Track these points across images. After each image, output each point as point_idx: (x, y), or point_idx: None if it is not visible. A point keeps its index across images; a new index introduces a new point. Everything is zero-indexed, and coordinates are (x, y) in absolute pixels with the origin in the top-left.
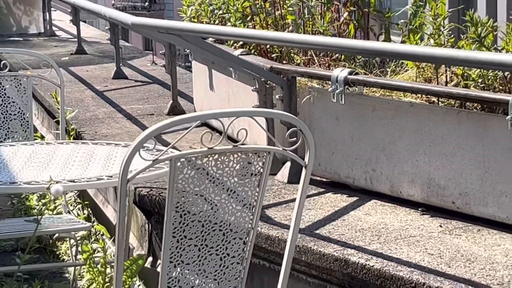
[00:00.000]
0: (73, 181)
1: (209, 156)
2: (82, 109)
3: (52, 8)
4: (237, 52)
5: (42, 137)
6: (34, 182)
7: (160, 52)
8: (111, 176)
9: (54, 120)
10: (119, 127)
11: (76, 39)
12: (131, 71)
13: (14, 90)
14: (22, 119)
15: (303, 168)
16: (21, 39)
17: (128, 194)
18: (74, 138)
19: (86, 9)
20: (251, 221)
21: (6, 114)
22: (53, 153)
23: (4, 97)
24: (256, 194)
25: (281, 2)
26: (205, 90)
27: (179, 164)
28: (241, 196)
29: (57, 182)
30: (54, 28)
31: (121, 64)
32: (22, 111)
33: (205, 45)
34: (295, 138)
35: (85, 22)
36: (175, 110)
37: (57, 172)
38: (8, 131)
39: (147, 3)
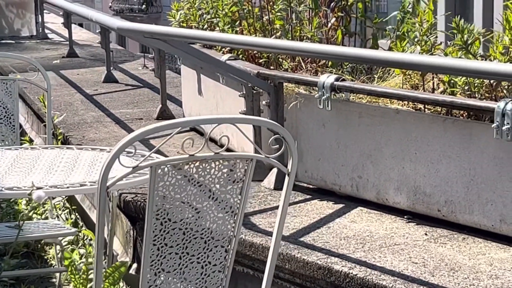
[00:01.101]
0: (56, 187)
1: (190, 163)
2: (71, 113)
3: (45, 11)
4: (224, 57)
5: (31, 141)
6: (16, 188)
7: (150, 56)
8: (94, 182)
9: (43, 123)
10: (107, 132)
11: (68, 42)
12: (122, 74)
13: (0, 94)
14: (8, 123)
15: (286, 176)
16: (13, 41)
17: (112, 200)
18: (61, 143)
19: (74, 12)
20: (233, 229)
21: None
22: (37, 158)
23: None
24: (239, 201)
25: (269, 7)
26: (194, 94)
27: (159, 171)
28: (223, 204)
29: (39, 188)
30: (46, 31)
31: (112, 68)
32: (8, 115)
33: (191, 51)
34: (277, 146)
35: (81, 25)
36: (164, 114)
37: (40, 178)
38: None
39: (144, 6)
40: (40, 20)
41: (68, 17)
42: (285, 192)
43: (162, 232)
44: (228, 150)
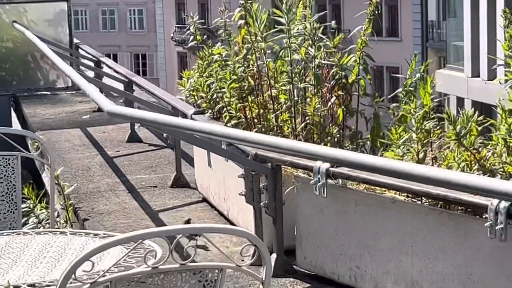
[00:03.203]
0: (34, 286)
1: (154, 276)
2: (86, 180)
3: (81, 59)
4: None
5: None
6: None
7: None
8: (76, 279)
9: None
10: (117, 203)
11: None
12: (147, 132)
13: (2, 170)
14: (9, 201)
15: (260, 285)
16: (48, 93)
17: None
18: (73, 213)
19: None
20: None
21: None
22: (26, 246)
23: None
24: None
25: (272, 82)
26: (204, 166)
27: (120, 286)
28: None
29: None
30: None
31: (139, 125)
32: (9, 192)
33: (186, 136)
34: (251, 254)
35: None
36: (178, 182)
37: (21, 272)
38: None
39: (205, 36)
40: None
41: (99, 74)
42: None
43: None
44: (234, 225)
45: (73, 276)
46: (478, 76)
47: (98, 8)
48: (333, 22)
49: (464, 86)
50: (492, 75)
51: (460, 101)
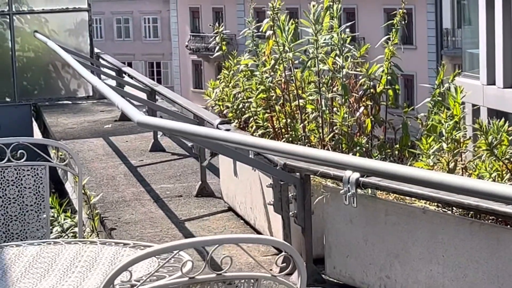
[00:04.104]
0: None
1: (190, 286)
2: (111, 189)
3: (102, 68)
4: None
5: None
6: None
7: None
8: None
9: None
10: (143, 212)
11: None
12: (170, 142)
13: (31, 180)
14: (38, 210)
15: None
16: (69, 102)
17: None
18: (99, 222)
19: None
20: None
21: (22, 205)
22: (57, 256)
23: (21, 187)
24: None
25: (300, 91)
26: (230, 174)
27: None
28: None
29: None
30: None
31: (161, 134)
32: (38, 201)
33: (214, 146)
34: (285, 264)
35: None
36: (203, 191)
37: (54, 282)
38: (23, 223)
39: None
40: None
41: (121, 84)
42: None
43: None
44: (260, 234)
45: (111, 286)
46: (494, 84)
47: (113, 17)
48: (348, 30)
49: (479, 94)
50: (508, 83)
51: (476, 109)
